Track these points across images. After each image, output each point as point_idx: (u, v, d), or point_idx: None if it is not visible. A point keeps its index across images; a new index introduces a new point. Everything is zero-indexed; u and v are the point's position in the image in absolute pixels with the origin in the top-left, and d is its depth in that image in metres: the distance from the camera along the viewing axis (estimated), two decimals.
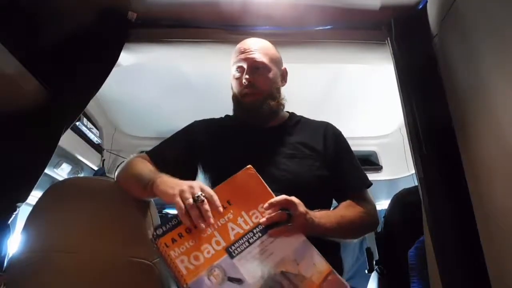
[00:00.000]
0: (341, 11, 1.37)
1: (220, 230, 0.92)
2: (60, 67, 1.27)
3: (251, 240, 0.92)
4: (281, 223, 0.94)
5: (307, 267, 0.90)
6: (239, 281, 0.86)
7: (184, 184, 0.95)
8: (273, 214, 0.94)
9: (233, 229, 0.93)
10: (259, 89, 1.24)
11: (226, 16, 1.38)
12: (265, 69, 1.25)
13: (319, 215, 1.01)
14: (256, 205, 0.96)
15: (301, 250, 0.92)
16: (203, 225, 0.90)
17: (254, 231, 0.93)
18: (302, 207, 0.96)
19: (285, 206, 0.95)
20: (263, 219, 0.94)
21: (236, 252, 0.90)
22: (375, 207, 1.22)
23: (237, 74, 1.26)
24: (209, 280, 0.85)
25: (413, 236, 1.19)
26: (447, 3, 1.06)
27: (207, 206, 0.91)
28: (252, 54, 1.24)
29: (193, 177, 1.21)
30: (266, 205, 0.95)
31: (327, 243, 1.12)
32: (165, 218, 0.98)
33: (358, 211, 1.14)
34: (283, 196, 0.96)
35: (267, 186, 1.00)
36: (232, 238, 0.92)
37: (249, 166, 1.01)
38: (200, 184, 0.96)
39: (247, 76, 1.22)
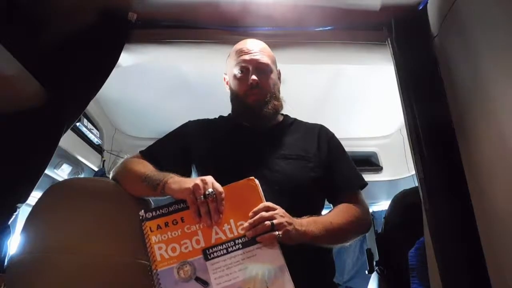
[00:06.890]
0: (341, 11, 1.37)
1: (204, 230, 0.94)
2: (60, 67, 1.27)
3: (229, 249, 0.92)
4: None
5: None
6: (205, 283, 0.87)
7: (198, 179, 0.98)
8: (257, 227, 0.93)
9: (216, 233, 0.94)
10: (264, 90, 1.25)
11: (226, 16, 1.38)
12: (268, 70, 1.27)
13: (306, 223, 1.01)
14: (246, 217, 0.96)
15: (275, 274, 0.90)
16: (209, 222, 0.93)
17: (236, 241, 0.93)
18: (282, 218, 0.95)
19: (268, 217, 0.95)
20: (246, 224, 0.94)
21: (211, 255, 0.91)
22: (367, 210, 1.21)
23: (240, 75, 1.26)
24: (177, 273, 0.88)
25: (413, 236, 1.18)
26: (447, 4, 1.06)
27: (215, 204, 0.94)
28: (256, 55, 1.26)
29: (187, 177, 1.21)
30: (250, 213, 0.95)
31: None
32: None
33: (348, 216, 1.12)
34: (264, 204, 0.97)
35: (264, 201, 0.99)
36: (213, 241, 0.93)
37: (252, 177, 1.01)
38: (212, 180, 0.98)
39: (254, 77, 1.23)
